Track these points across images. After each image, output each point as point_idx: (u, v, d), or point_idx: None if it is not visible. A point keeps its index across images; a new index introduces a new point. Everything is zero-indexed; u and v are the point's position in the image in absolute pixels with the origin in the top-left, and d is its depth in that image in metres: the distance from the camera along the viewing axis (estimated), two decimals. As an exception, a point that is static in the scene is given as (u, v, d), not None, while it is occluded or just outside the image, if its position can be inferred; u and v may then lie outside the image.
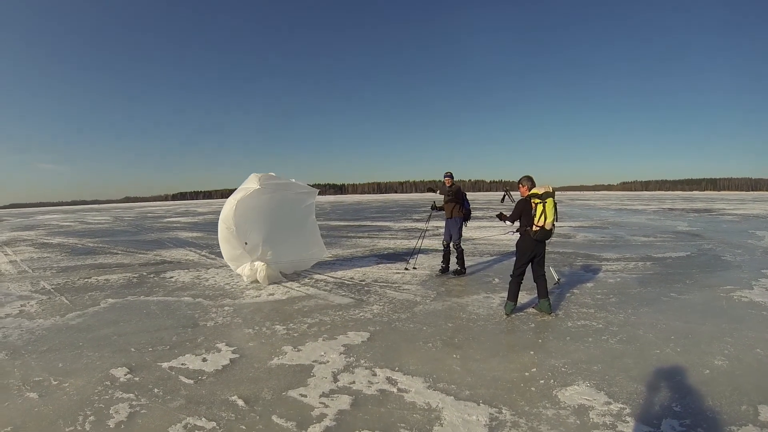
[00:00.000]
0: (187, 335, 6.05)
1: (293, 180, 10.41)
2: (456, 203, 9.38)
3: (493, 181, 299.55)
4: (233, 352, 5.36)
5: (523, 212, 6.62)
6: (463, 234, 9.65)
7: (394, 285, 8.71)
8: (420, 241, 11.93)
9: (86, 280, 10.27)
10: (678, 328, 5.94)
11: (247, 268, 9.14)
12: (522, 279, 6.71)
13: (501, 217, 7.22)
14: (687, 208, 38.66)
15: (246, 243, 8.98)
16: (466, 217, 9.52)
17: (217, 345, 5.60)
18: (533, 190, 6.54)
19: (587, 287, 8.25)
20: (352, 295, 7.96)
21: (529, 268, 6.77)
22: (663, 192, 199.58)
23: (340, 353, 5.18)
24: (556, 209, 6.47)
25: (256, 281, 9.10)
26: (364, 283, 8.97)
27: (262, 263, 9.06)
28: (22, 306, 8.03)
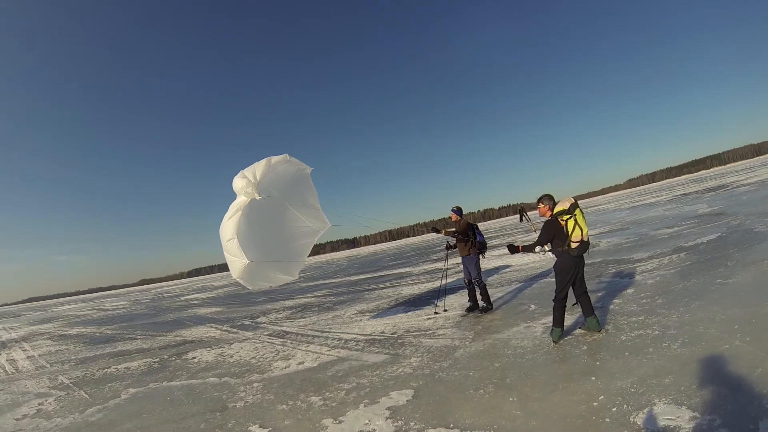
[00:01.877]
0: (216, 421, 5.58)
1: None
2: (467, 239, 9.00)
3: (502, 207, 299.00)
4: None
5: (555, 233, 6.22)
6: (482, 268, 9.33)
7: (427, 332, 8.25)
8: (443, 281, 11.44)
9: (106, 370, 9.86)
10: (738, 315, 5.59)
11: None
12: (566, 302, 6.24)
13: (512, 249, 6.96)
14: (700, 189, 38.31)
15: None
16: (481, 250, 9.18)
17: (250, 428, 5.14)
18: (558, 207, 6.24)
19: (629, 294, 7.86)
20: (387, 351, 7.48)
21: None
22: (671, 180, 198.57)
23: (386, 418, 4.72)
24: (586, 219, 6.23)
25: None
26: (396, 335, 8.49)
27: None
28: (39, 405, 7.67)
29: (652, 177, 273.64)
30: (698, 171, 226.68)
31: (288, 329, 11.12)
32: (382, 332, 8.93)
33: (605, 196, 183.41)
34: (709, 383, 3.96)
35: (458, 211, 9.30)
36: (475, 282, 9.13)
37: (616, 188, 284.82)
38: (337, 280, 24.17)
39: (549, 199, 6.50)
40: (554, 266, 6.43)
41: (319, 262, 20.17)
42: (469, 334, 7.53)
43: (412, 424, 4.45)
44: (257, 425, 5.18)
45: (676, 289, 7.48)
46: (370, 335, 8.87)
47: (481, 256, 9.30)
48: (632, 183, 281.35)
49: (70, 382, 9.03)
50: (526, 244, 6.88)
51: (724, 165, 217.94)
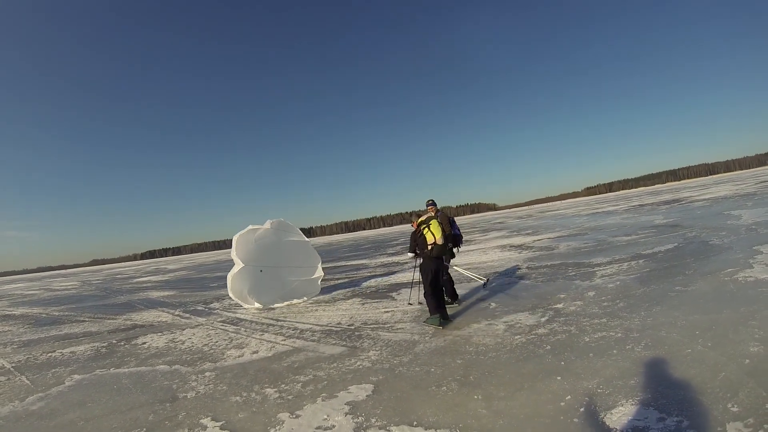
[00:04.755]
0: (165, 412, 5.24)
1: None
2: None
3: (459, 206, 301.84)
4: (221, 427, 4.59)
5: (417, 241, 7.97)
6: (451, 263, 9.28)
7: (386, 325, 8.09)
8: (414, 273, 11.37)
9: (50, 354, 9.35)
10: (698, 321, 5.65)
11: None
12: (439, 292, 7.69)
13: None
14: (656, 201, 39.24)
15: (261, 271, 12.21)
16: (456, 243, 9.14)
17: (202, 421, 4.80)
18: (419, 220, 7.99)
19: (590, 296, 7.88)
20: (344, 343, 7.29)
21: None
22: (627, 191, 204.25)
23: (346, 413, 4.51)
24: (442, 227, 7.82)
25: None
26: (353, 327, 8.31)
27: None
28: None
29: (610, 187, 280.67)
30: (654, 185, 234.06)
31: (242, 316, 10.84)
32: (339, 323, 8.73)
33: (563, 201, 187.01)
34: (675, 386, 3.94)
35: (433, 203, 9.24)
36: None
37: (574, 195, 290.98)
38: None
39: (416, 216, 8.18)
40: (419, 266, 8.05)
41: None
42: (428, 329, 7.38)
43: (373, 420, 4.26)
44: (209, 418, 4.88)
45: (637, 294, 7.53)
46: (326, 326, 8.66)
47: (456, 250, 9.35)
48: (590, 191, 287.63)
49: (11, 367, 8.56)
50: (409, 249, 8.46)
51: (679, 181, 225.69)
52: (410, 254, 8.37)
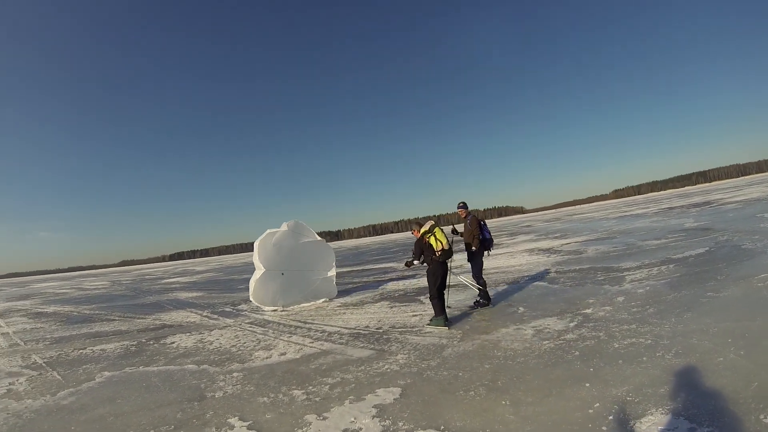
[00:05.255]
0: (193, 411, 5.31)
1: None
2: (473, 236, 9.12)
3: (487, 209, 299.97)
4: (248, 427, 4.63)
5: (423, 248, 8.38)
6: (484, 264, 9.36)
7: (414, 329, 8.12)
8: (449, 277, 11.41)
9: (81, 351, 9.58)
10: (730, 328, 5.54)
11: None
12: (444, 297, 8.26)
13: (408, 264, 8.83)
14: (686, 204, 38.59)
15: (282, 273, 12.69)
16: (487, 247, 9.23)
17: (230, 420, 4.87)
18: (422, 229, 8.45)
19: (619, 302, 7.81)
20: (372, 346, 7.30)
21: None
22: (656, 193, 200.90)
23: (373, 416, 4.53)
24: (444, 234, 8.37)
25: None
26: (381, 330, 8.35)
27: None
28: (10, 384, 7.41)
29: (638, 189, 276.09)
30: (684, 186, 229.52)
31: (270, 318, 10.96)
32: (367, 327, 8.79)
33: (591, 204, 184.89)
34: (706, 395, 3.88)
35: (464, 206, 9.30)
36: (474, 277, 9.21)
37: (602, 198, 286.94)
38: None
39: (417, 224, 8.64)
40: (426, 271, 8.43)
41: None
42: (456, 334, 7.39)
43: (400, 424, 4.26)
44: (237, 417, 4.94)
45: (667, 299, 7.44)
46: (354, 329, 8.72)
47: (486, 253, 9.45)
48: (618, 194, 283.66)
49: (44, 362, 8.78)
50: (409, 259, 8.78)
51: (710, 182, 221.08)
52: (416, 262, 8.61)
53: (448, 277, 8.53)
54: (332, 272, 13.96)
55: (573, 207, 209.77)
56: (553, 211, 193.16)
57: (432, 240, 8.29)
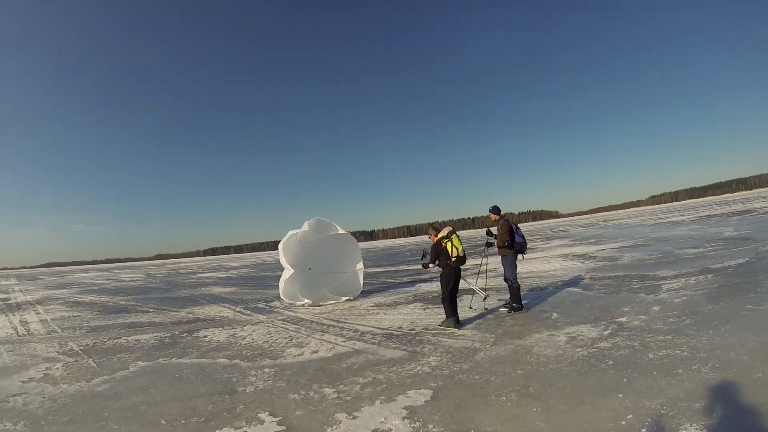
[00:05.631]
0: (224, 404, 5.40)
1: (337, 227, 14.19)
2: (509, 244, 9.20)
3: (522, 213, 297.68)
4: (278, 423, 4.66)
5: (439, 253, 8.70)
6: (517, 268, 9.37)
7: (446, 331, 8.13)
8: (476, 279, 11.42)
9: (116, 340, 9.84)
10: (771, 344, 5.38)
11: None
12: (455, 300, 8.60)
13: (425, 266, 9.47)
14: (725, 212, 37.69)
15: (309, 268, 13.28)
16: (520, 250, 9.25)
17: (260, 415, 4.92)
18: (440, 234, 8.85)
19: (654, 311, 7.70)
20: (404, 347, 7.33)
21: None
22: (694, 200, 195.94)
23: (403, 418, 4.54)
24: (460, 240, 8.77)
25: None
26: (414, 332, 8.37)
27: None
28: (47, 369, 7.67)
29: (675, 196, 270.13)
30: (723, 194, 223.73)
31: (302, 316, 11.08)
32: (400, 327, 8.84)
33: (626, 210, 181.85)
34: (743, 412, 3.82)
35: (496, 210, 9.38)
36: (505, 281, 9.24)
37: (638, 204, 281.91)
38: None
39: (434, 229, 9.17)
40: (440, 275, 8.83)
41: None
42: (489, 337, 7.38)
43: (430, 426, 4.27)
44: (267, 413, 5.00)
45: (705, 311, 7.30)
46: (387, 329, 8.78)
47: (521, 256, 9.45)
48: (655, 200, 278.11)
49: (80, 349, 9.06)
50: (425, 261, 9.37)
51: (751, 190, 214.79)
52: (431, 265, 9.02)
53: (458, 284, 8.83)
54: (360, 265, 14.51)
55: (608, 212, 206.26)
56: (588, 216, 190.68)
57: (448, 245, 8.65)
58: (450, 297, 8.48)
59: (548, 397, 4.65)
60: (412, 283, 16.15)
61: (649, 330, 6.63)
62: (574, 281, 11.95)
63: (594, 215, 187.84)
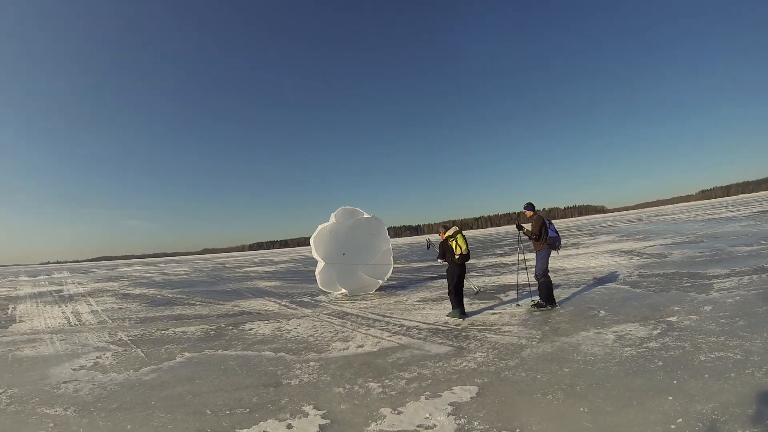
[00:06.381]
0: (269, 396, 5.50)
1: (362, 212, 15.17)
2: (538, 237, 9.24)
3: (567, 207, 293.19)
4: (323, 416, 4.73)
5: (446, 250, 9.66)
6: (549, 264, 9.34)
7: (493, 327, 8.12)
8: (518, 275, 11.37)
9: (163, 331, 10.16)
10: (830, 349, 5.20)
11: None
12: (461, 293, 9.53)
13: (437, 258, 10.28)
14: (782, 208, 36.28)
15: (344, 254, 14.45)
16: (552, 244, 9.25)
17: (304, 408, 5.00)
18: (447, 233, 9.67)
19: (706, 311, 7.51)
20: (450, 343, 7.33)
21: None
22: (747, 195, 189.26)
23: (448, 414, 4.55)
24: (465, 240, 9.57)
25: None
26: (460, 327, 8.37)
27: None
28: (97, 358, 8.00)
29: (727, 190, 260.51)
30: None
31: (348, 310, 11.21)
32: (446, 323, 8.88)
33: (675, 206, 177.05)
34: (799, 419, 3.73)
35: (530, 207, 9.46)
36: (536, 276, 9.22)
37: (688, 198, 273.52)
38: (399, 265, 24.15)
39: (443, 228, 9.92)
40: (446, 270, 9.71)
41: (396, 244, 20.11)
42: (536, 334, 7.34)
43: (475, 423, 4.27)
44: (311, 406, 5.06)
45: (759, 312, 7.09)
46: (433, 324, 8.81)
47: (555, 252, 9.53)
48: (705, 194, 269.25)
49: (129, 340, 9.42)
50: (434, 248, 10.51)
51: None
52: (439, 260, 10.07)
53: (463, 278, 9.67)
54: (389, 245, 15.64)
55: (656, 207, 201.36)
56: (636, 211, 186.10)
57: (453, 244, 9.50)
58: (455, 290, 9.39)
59: (595, 397, 4.61)
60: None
61: (700, 331, 6.48)
62: (622, 278, 11.73)
63: (641, 210, 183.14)
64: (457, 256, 9.43)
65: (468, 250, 9.52)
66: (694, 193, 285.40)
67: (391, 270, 15.32)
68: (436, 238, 11.18)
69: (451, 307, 9.52)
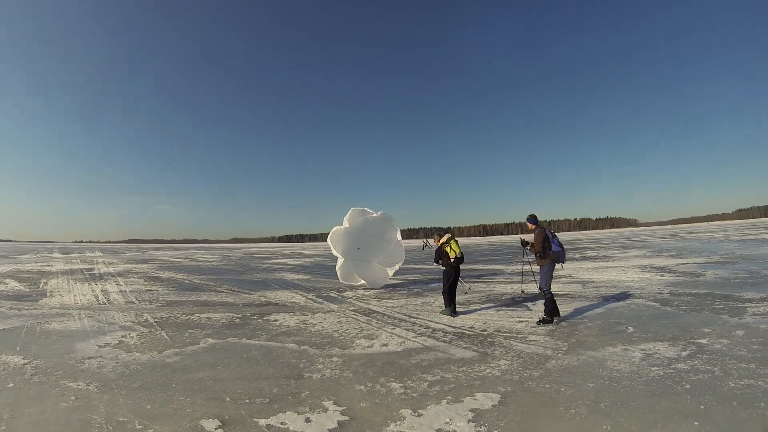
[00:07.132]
0: (289, 388, 5.55)
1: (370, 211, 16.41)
2: (543, 254, 9.11)
3: (599, 219, 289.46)
4: (342, 413, 4.76)
5: (441, 255, 10.64)
6: (552, 278, 9.23)
7: (519, 335, 8.06)
8: (521, 286, 11.85)
9: (189, 316, 10.34)
10: None
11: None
12: (454, 295, 10.49)
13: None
14: (824, 234, 35.30)
15: (358, 248, 15.45)
16: (556, 259, 9.11)
17: (324, 403, 5.03)
18: (441, 240, 10.82)
19: (738, 336, 7.35)
20: (475, 348, 7.31)
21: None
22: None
23: (469, 420, 4.54)
24: (458, 244, 10.67)
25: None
26: (486, 333, 8.33)
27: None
28: (122, 337, 8.22)
29: (765, 210, 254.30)
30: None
31: (374, 308, 11.25)
32: (472, 327, 8.83)
33: (710, 223, 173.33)
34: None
35: (533, 219, 9.38)
36: (539, 290, 9.14)
37: (723, 217, 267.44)
38: (428, 266, 24.09)
39: (438, 234, 11.12)
40: (442, 272, 10.68)
41: (410, 246, 19.84)
42: (562, 346, 7.26)
43: None
44: (331, 401, 5.09)
45: (793, 340, 6.92)
46: (459, 328, 8.79)
47: (560, 265, 9.44)
48: (742, 214, 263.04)
49: (154, 321, 9.64)
50: (432, 248, 11.96)
51: None
52: (435, 264, 11.07)
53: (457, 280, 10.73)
54: (399, 236, 16.92)
55: (690, 224, 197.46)
56: (669, 226, 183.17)
57: (448, 249, 10.55)
58: (449, 290, 10.35)
59: (619, 416, 4.55)
60: (486, 283, 15.98)
61: (731, 356, 6.34)
62: (652, 295, 11.51)
63: (675, 226, 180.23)
64: (452, 259, 10.44)
65: (461, 253, 10.59)
66: (730, 212, 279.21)
67: (402, 259, 16.81)
68: (431, 243, 12.84)
69: (444, 304, 10.45)
